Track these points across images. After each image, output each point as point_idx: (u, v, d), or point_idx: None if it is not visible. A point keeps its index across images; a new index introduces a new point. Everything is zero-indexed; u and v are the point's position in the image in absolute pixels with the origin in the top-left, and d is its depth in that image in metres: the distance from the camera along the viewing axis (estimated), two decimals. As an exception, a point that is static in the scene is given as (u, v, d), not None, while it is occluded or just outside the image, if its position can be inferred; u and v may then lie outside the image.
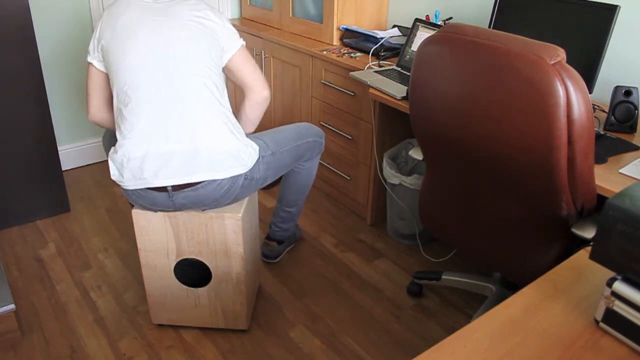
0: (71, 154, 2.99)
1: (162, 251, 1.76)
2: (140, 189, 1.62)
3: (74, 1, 2.75)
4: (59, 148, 2.94)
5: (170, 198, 1.63)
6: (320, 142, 2.04)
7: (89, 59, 1.72)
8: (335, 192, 2.73)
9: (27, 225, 2.50)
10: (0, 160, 2.33)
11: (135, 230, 1.73)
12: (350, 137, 2.48)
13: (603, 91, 1.99)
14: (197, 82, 1.61)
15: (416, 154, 1.76)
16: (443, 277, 2.02)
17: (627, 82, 1.94)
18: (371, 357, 1.81)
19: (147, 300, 1.85)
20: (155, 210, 1.69)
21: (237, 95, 3.31)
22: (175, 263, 1.77)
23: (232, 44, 1.75)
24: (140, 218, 1.71)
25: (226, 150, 1.61)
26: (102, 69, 1.72)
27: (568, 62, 1.18)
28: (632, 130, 1.69)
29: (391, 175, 2.21)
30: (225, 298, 1.81)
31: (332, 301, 2.06)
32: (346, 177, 2.58)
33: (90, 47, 1.71)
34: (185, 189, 1.61)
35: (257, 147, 1.72)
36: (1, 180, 2.37)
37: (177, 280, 1.79)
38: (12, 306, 1.80)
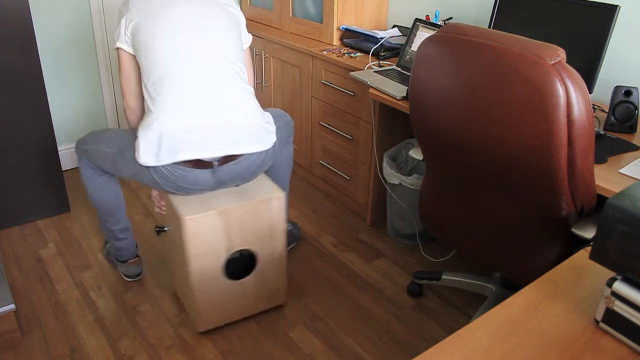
0: (71, 154, 2.98)
1: (213, 252, 1.74)
2: (181, 169, 1.62)
3: (74, 1, 2.75)
4: (59, 148, 2.94)
5: (214, 174, 1.66)
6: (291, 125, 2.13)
7: (118, 44, 1.71)
8: (335, 192, 2.73)
9: (27, 225, 2.50)
10: (0, 160, 2.33)
11: (187, 237, 1.67)
12: (350, 137, 2.48)
13: (603, 91, 1.99)
14: (229, 67, 1.71)
15: (416, 154, 1.76)
16: (443, 277, 2.02)
17: (627, 82, 1.94)
18: (371, 357, 1.81)
19: (196, 308, 1.79)
20: (190, 193, 1.71)
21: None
22: (225, 260, 1.78)
23: (248, 38, 1.91)
24: (193, 224, 1.66)
25: (260, 125, 1.71)
26: (132, 51, 1.72)
27: (568, 62, 1.18)
28: (632, 130, 1.69)
29: (391, 175, 2.21)
30: (269, 278, 1.89)
31: (332, 301, 2.06)
32: (346, 177, 2.58)
33: (120, 31, 1.70)
34: (229, 163, 1.67)
35: (271, 119, 1.82)
36: (1, 180, 2.37)
37: (225, 278, 1.80)
38: (12, 306, 1.80)
